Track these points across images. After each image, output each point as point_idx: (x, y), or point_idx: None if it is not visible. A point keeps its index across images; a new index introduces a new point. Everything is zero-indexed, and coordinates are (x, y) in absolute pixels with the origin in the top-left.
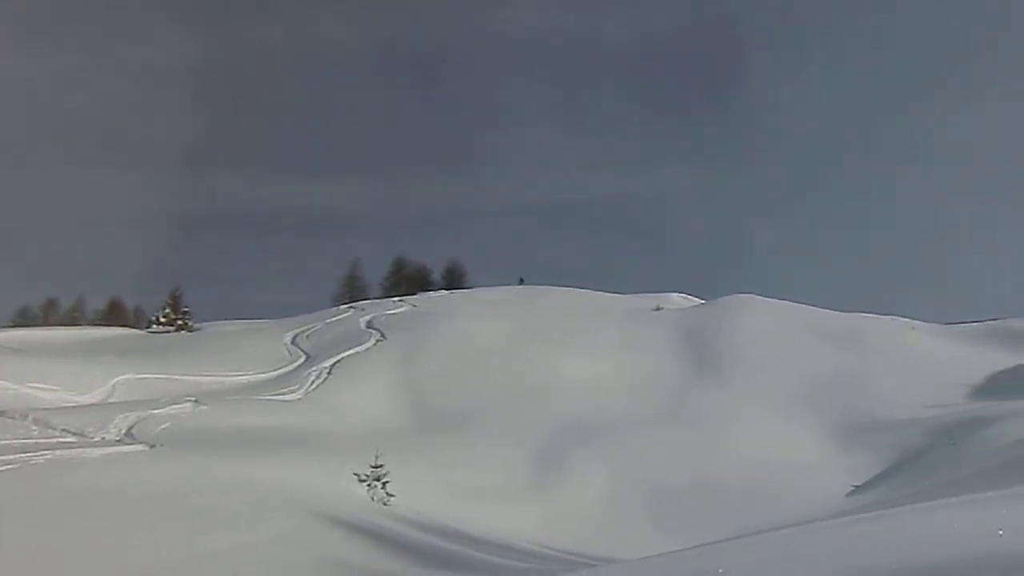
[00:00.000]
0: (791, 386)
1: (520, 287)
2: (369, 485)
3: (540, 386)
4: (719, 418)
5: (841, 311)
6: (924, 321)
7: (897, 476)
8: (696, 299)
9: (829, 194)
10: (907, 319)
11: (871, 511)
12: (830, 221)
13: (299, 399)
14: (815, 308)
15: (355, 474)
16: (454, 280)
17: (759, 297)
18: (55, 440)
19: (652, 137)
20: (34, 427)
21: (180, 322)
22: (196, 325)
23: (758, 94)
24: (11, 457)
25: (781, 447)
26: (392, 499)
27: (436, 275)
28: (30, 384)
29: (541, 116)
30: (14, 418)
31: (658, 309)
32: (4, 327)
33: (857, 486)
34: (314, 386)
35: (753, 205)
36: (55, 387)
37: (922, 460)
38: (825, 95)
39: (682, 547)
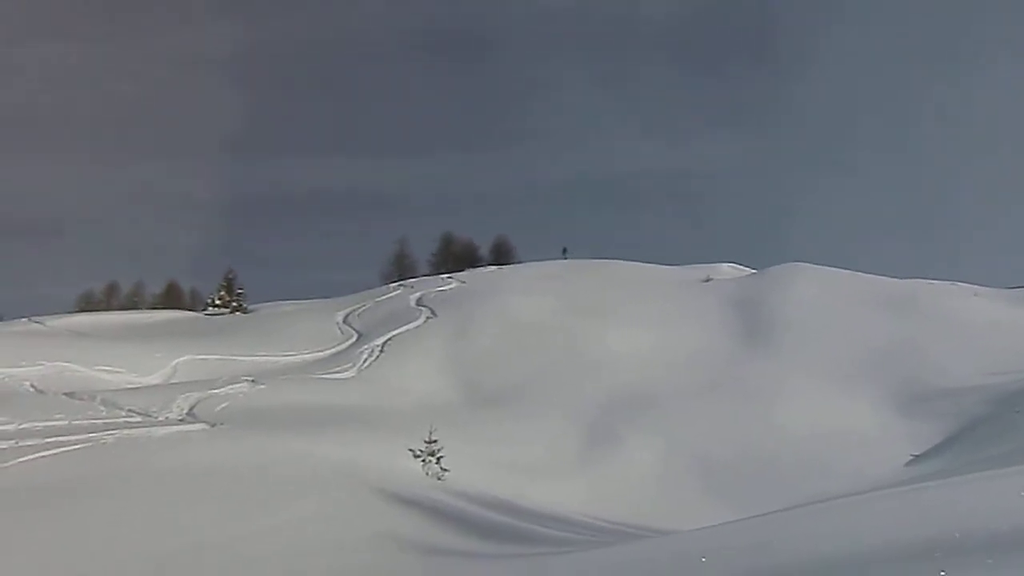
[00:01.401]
0: (846, 356)
1: (568, 261)
2: (423, 460)
3: (589, 360)
4: (771, 389)
5: (897, 278)
6: (986, 286)
7: (958, 445)
8: (747, 269)
9: (883, 156)
10: (968, 284)
11: (930, 480)
12: (884, 184)
13: (352, 377)
14: (869, 275)
15: (410, 450)
16: (501, 256)
17: (811, 265)
18: (122, 420)
19: (698, 105)
20: (102, 407)
21: (235, 304)
22: (250, 307)
23: (806, 56)
24: (82, 436)
25: (836, 418)
26: (446, 474)
27: (483, 251)
28: (96, 367)
29: (584, 89)
30: (83, 399)
31: (708, 280)
32: (70, 312)
33: (916, 456)
34: (367, 364)
35: (803, 171)
36: (119, 369)
37: (984, 429)
38: (877, 53)
39: (735, 518)
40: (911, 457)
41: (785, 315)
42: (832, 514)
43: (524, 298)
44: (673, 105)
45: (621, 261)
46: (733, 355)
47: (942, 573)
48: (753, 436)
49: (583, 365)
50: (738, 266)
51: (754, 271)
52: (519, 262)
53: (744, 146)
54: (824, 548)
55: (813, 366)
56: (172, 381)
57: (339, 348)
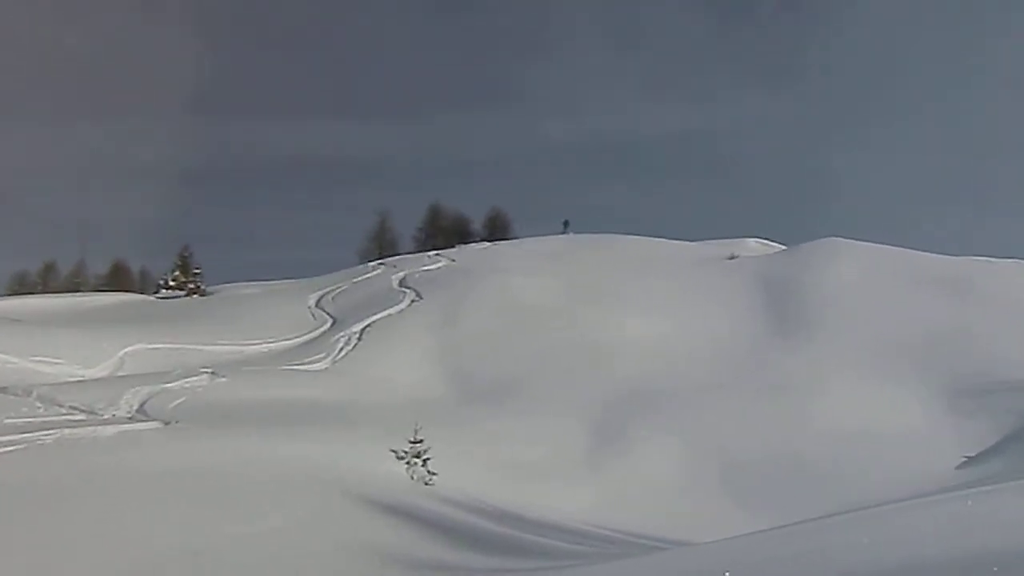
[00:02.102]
0: (889, 343)
1: (570, 236)
2: (408, 463)
3: (597, 348)
4: (804, 381)
5: (949, 255)
6: None
7: (1017, 446)
8: (776, 245)
9: (935, 116)
10: None
11: (984, 486)
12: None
13: (326, 368)
14: (917, 252)
15: (392, 451)
16: (497, 230)
17: (849, 241)
18: (62, 418)
19: (721, 57)
20: (39, 404)
21: (191, 286)
22: (209, 289)
23: (844, 7)
24: (16, 437)
25: (877, 413)
26: (434, 478)
27: (476, 225)
28: (32, 357)
29: (591, 41)
30: (17, 395)
31: (732, 258)
32: (1, 296)
33: (969, 457)
34: (343, 354)
35: (842, 133)
36: (59, 360)
37: None
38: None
39: (762, 528)
40: (964, 459)
41: (820, 298)
42: (873, 523)
43: (522, 278)
44: (692, 57)
45: (633, 236)
46: (761, 343)
47: None
48: (783, 435)
49: (590, 354)
50: (767, 242)
51: (785, 247)
52: (516, 237)
53: (773, 104)
54: (863, 562)
55: (852, 356)
56: (119, 374)
57: (311, 335)
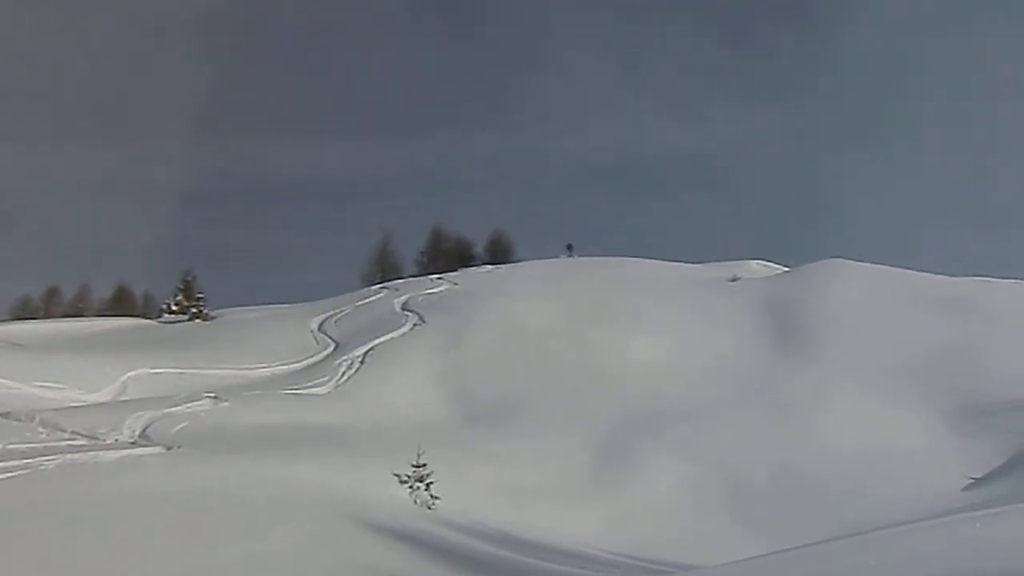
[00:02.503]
0: (893, 364)
1: (573, 259)
2: (411, 486)
3: (601, 371)
4: (808, 402)
5: (951, 275)
6: None
7: (1023, 467)
8: (778, 267)
9: (937, 137)
10: None
11: (991, 507)
12: (938, 170)
13: (329, 392)
14: (918, 273)
15: (395, 474)
16: (499, 253)
17: (852, 262)
18: (65, 443)
19: (723, 77)
20: (41, 429)
21: (194, 310)
22: (212, 313)
23: (848, 16)
24: (18, 462)
25: (882, 434)
26: (437, 501)
27: (479, 248)
28: (35, 383)
29: (593, 61)
30: (20, 420)
31: (735, 279)
32: (3, 320)
33: (976, 479)
34: (345, 378)
35: (844, 154)
36: (61, 385)
37: None
38: (933, 9)
39: (769, 551)
40: (970, 480)
41: (823, 318)
42: (881, 546)
43: (525, 301)
44: (694, 78)
45: (636, 259)
46: (764, 364)
47: None
48: (788, 456)
49: (594, 376)
50: (769, 263)
51: (787, 269)
52: (518, 260)
53: (776, 125)
54: None
55: (856, 376)
56: (122, 398)
57: (314, 360)
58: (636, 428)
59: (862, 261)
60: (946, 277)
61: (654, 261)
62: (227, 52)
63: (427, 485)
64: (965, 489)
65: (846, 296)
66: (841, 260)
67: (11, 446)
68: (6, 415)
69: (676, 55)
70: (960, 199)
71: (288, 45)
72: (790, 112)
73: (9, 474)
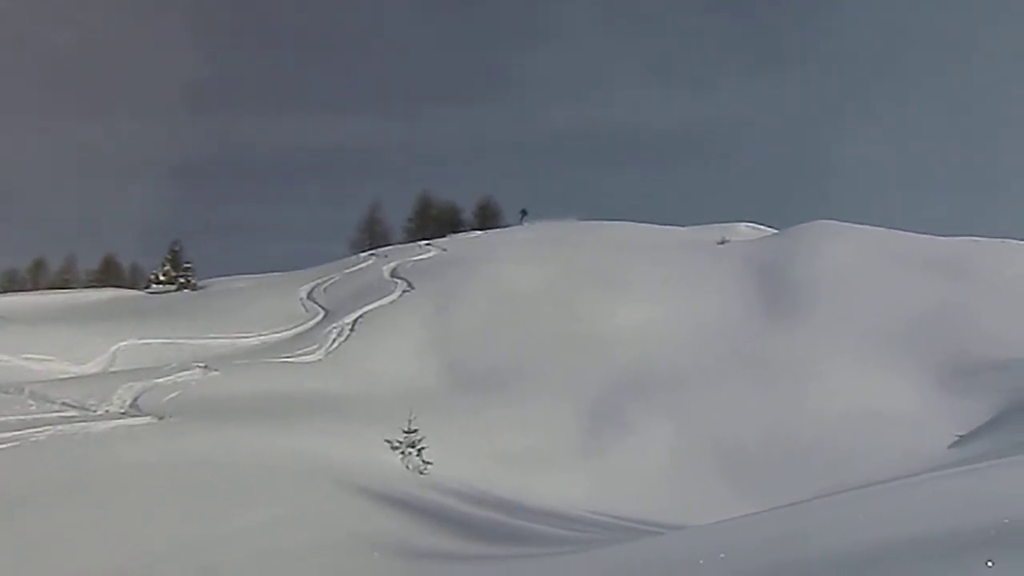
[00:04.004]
0: (882, 325)
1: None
2: (403, 453)
3: (590, 335)
4: (797, 364)
5: (941, 235)
6: None
7: (1010, 424)
8: (767, 229)
9: (923, 99)
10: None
11: (976, 463)
12: (926, 131)
13: (319, 360)
14: (909, 234)
15: (387, 441)
16: (488, 219)
17: (840, 223)
18: (55, 415)
19: (712, 47)
20: (31, 402)
21: (182, 280)
22: (200, 283)
23: None
24: (9, 435)
25: (870, 395)
26: (429, 467)
27: (467, 214)
28: (23, 355)
29: (582, 29)
30: (9, 392)
31: (723, 242)
32: None
33: (961, 436)
34: (335, 345)
35: (831, 117)
36: (50, 357)
37: None
38: None
39: (757, 511)
40: (956, 438)
41: (812, 281)
42: (867, 502)
43: (514, 266)
44: (684, 45)
45: (623, 222)
46: (753, 327)
47: (989, 564)
48: (777, 418)
49: (584, 341)
50: (757, 226)
51: (776, 231)
52: (507, 226)
53: (763, 90)
54: (857, 540)
55: (844, 338)
56: (112, 369)
57: (303, 327)
58: (626, 393)
59: (851, 222)
60: (936, 237)
61: (643, 225)
62: (217, 26)
63: (419, 451)
64: (952, 446)
65: (835, 258)
66: (830, 222)
67: (1, 419)
68: None
69: (665, 24)
70: (949, 162)
71: (278, 18)
72: (777, 76)
73: (3, 445)
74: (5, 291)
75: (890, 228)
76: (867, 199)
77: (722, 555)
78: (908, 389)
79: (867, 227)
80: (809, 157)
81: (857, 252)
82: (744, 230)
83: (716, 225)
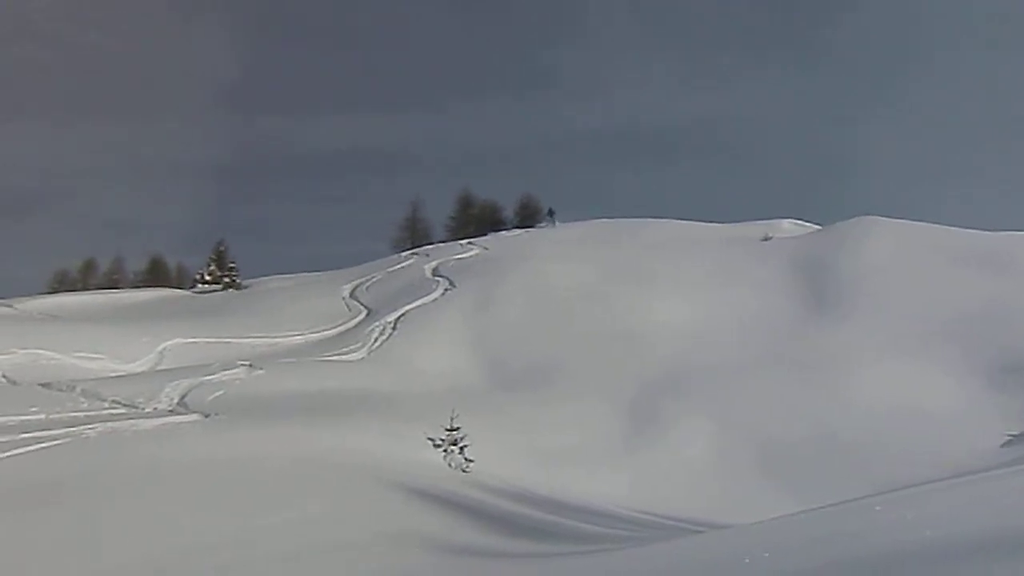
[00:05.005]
0: (928, 321)
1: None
2: (445, 451)
3: (631, 333)
4: (841, 361)
5: (989, 231)
6: None
7: None
8: (810, 225)
9: (970, 90)
10: None
11: None
12: (973, 124)
13: (362, 358)
14: (955, 229)
15: (429, 439)
16: (528, 217)
17: (885, 219)
18: (105, 412)
19: (754, 39)
20: (82, 399)
21: (227, 280)
22: (244, 282)
23: None
24: (61, 431)
25: (917, 392)
26: (471, 465)
27: (507, 213)
28: (74, 353)
29: (620, 27)
30: (61, 390)
31: (767, 239)
32: (42, 293)
33: (1014, 436)
34: (378, 343)
35: (876, 111)
36: (100, 355)
37: None
38: None
39: (801, 510)
40: (1007, 437)
41: (856, 276)
42: (912, 503)
43: (556, 264)
44: (724, 40)
45: (666, 220)
46: (796, 323)
47: None
48: (820, 415)
49: (625, 339)
50: (801, 222)
51: (819, 227)
52: (551, 212)
53: (806, 86)
54: (906, 540)
55: (889, 334)
56: (159, 368)
57: (346, 326)
58: (666, 390)
59: (896, 218)
60: (982, 232)
61: (685, 222)
62: (255, 27)
63: (461, 449)
64: (1004, 446)
65: (880, 254)
66: (874, 217)
67: (54, 415)
68: (48, 385)
69: (701, 19)
70: (998, 151)
71: (313, 20)
72: (821, 71)
73: (54, 443)
74: (56, 291)
75: (936, 222)
76: (912, 194)
77: (766, 554)
78: (955, 386)
79: (912, 222)
80: (850, 152)
81: (902, 248)
82: (787, 226)
83: (759, 222)
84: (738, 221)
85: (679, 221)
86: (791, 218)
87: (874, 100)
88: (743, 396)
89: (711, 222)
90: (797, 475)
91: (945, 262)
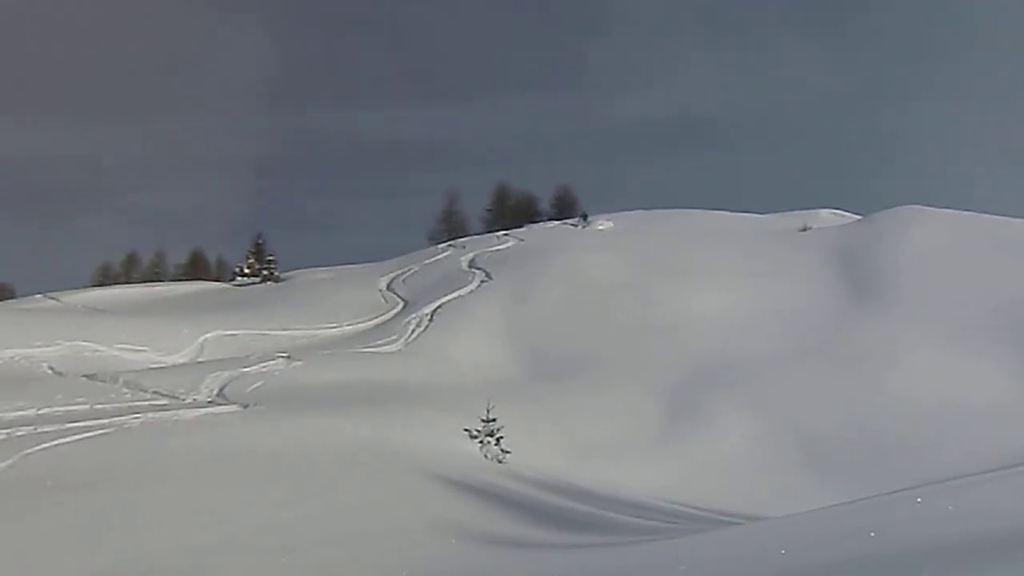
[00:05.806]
0: (973, 313)
1: (642, 212)
2: (481, 441)
3: (669, 324)
4: (882, 353)
5: None
6: None
7: None
8: (851, 215)
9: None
10: None
11: None
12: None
13: (399, 350)
14: (998, 217)
15: (465, 430)
16: (564, 209)
17: (928, 208)
18: (147, 403)
19: (788, 25)
20: (125, 390)
21: (265, 272)
22: (283, 275)
23: None
24: (105, 421)
25: (961, 385)
26: (507, 456)
27: (544, 204)
28: (117, 345)
29: (663, 18)
30: (105, 381)
31: (805, 229)
32: (86, 287)
33: None
34: (414, 335)
35: (917, 96)
36: (142, 347)
37: None
38: None
39: (842, 502)
40: None
41: (899, 266)
42: (958, 495)
43: (592, 255)
44: (761, 28)
45: (704, 210)
46: (837, 315)
47: None
48: (862, 408)
49: (663, 330)
50: (841, 212)
51: (860, 217)
52: (584, 215)
53: (845, 71)
54: (948, 534)
55: (933, 325)
56: (200, 359)
57: (383, 318)
58: (704, 382)
59: (940, 207)
60: None
61: (723, 212)
62: (293, 23)
63: (497, 440)
64: None
65: (922, 243)
66: (916, 207)
67: (98, 406)
68: (92, 376)
69: (738, 7)
70: None
71: (352, 14)
72: (860, 56)
73: (98, 432)
74: (100, 284)
75: (981, 211)
76: (955, 183)
77: (806, 546)
78: (1002, 379)
79: (955, 211)
80: (894, 137)
81: (945, 237)
82: (827, 216)
83: (798, 212)
84: (776, 211)
85: (716, 212)
86: (831, 208)
87: (916, 87)
88: (782, 388)
89: (749, 212)
90: (837, 468)
91: (989, 251)
